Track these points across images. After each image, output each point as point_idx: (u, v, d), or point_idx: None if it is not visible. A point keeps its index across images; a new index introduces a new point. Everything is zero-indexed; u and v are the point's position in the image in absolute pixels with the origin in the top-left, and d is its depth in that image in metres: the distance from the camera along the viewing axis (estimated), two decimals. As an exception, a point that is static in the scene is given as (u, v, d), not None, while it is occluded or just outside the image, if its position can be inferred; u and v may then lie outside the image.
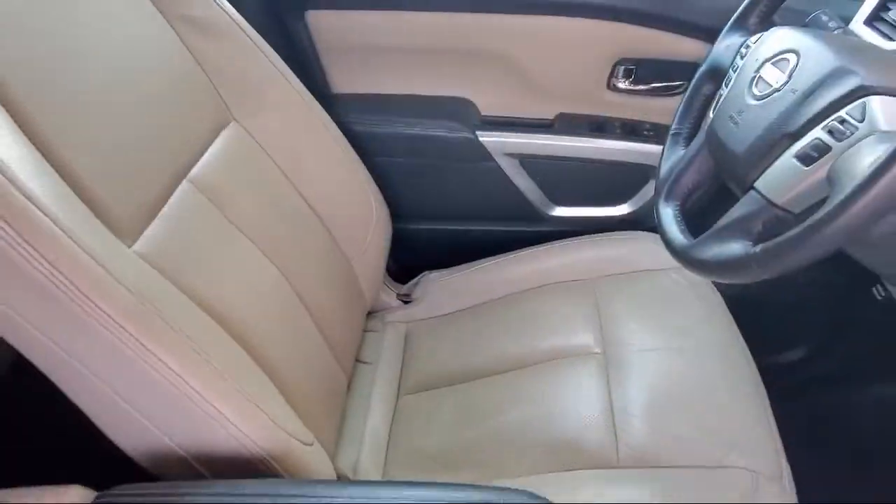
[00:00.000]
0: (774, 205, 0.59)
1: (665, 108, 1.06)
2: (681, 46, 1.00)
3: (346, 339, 0.94)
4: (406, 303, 1.11)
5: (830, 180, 0.54)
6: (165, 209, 0.69)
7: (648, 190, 1.13)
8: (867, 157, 0.51)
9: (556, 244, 1.08)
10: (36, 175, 0.53)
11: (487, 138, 1.08)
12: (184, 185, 0.74)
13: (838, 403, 1.26)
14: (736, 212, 0.63)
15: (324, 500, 0.53)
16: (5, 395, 0.83)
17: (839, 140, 0.54)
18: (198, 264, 0.69)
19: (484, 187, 1.13)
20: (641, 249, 1.05)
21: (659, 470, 0.74)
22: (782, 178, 0.59)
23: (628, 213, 1.15)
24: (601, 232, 1.09)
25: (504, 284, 1.06)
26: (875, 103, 0.54)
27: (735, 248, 0.60)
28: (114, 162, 0.64)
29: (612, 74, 1.06)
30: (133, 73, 0.72)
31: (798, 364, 1.31)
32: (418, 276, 1.14)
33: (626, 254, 1.05)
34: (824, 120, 0.56)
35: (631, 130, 1.09)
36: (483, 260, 1.10)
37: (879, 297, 1.10)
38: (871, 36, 0.82)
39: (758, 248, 0.57)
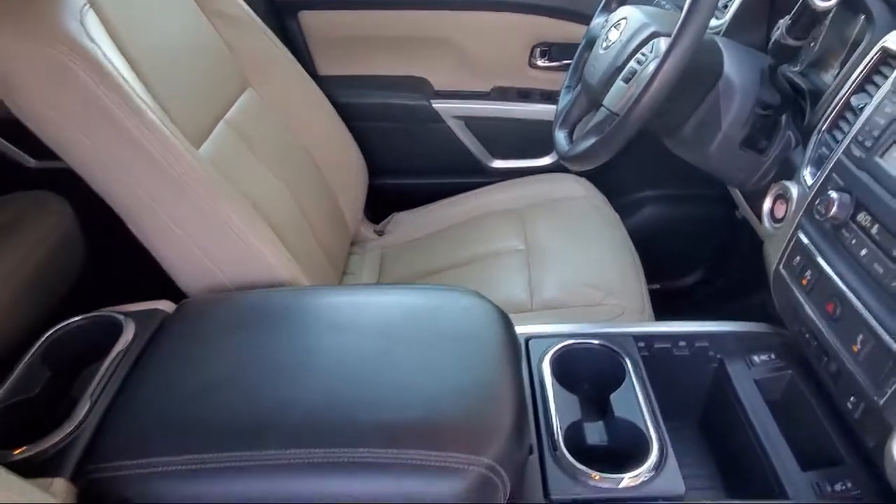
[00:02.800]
0: (613, 112, 0.93)
1: (572, 80, 1.41)
2: (581, 32, 1.35)
3: (336, 251, 1.25)
4: (380, 235, 1.43)
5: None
6: (211, 137, 1.01)
7: (565, 144, 1.47)
8: (649, 69, 0.85)
9: (495, 185, 1.42)
10: (145, 94, 0.84)
11: (439, 105, 1.42)
12: (221, 124, 1.05)
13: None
14: (592, 121, 0.97)
15: (339, 293, 0.84)
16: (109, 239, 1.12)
17: (641, 65, 0.89)
18: (233, 176, 1.00)
19: (438, 145, 1.46)
20: (559, 186, 1.39)
21: (558, 310, 1.06)
22: (616, 94, 0.93)
23: (550, 163, 1.49)
24: (530, 176, 1.44)
25: (455, 216, 1.38)
26: (661, 41, 0.88)
27: (590, 141, 0.94)
28: (180, 100, 0.95)
29: (531, 55, 1.41)
30: (185, 47, 1.04)
31: (695, 286, 1.65)
32: (389, 216, 1.46)
33: (547, 189, 1.39)
34: (635, 55, 0.91)
35: (548, 97, 1.44)
36: (439, 201, 1.43)
37: (739, 217, 1.44)
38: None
39: (600, 138, 0.90)
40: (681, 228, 1.57)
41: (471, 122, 1.45)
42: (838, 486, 0.70)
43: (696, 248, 1.60)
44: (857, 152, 0.70)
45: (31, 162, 1.50)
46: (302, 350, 0.73)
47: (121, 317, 0.83)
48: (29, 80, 0.78)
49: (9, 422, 0.72)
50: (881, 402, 0.61)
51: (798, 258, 0.76)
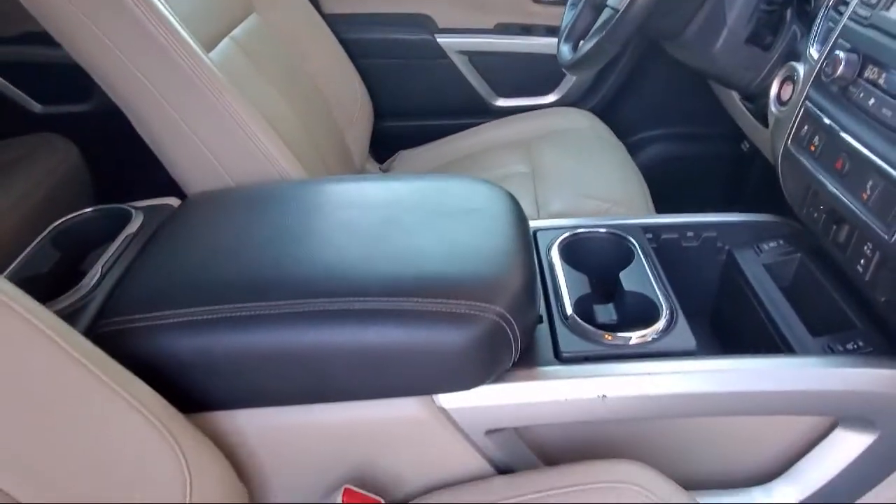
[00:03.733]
0: (617, 10, 0.93)
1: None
2: (582, -37, 1.35)
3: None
4: (386, 173, 1.44)
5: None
6: (218, 48, 1.01)
7: (569, 80, 1.47)
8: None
9: (500, 120, 1.42)
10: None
11: (443, 39, 1.42)
12: (226, 39, 1.05)
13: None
14: (597, 22, 0.97)
15: (346, 179, 0.85)
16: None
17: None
18: (240, 87, 1.01)
19: (442, 83, 1.47)
20: (565, 118, 1.39)
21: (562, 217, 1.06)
22: (620, -8, 0.93)
23: (556, 100, 1.49)
24: (536, 115, 1.44)
25: (461, 150, 1.38)
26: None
27: (595, 40, 0.94)
28: (188, 5, 0.95)
29: (534, -11, 1.42)
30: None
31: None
32: (395, 154, 1.46)
33: (552, 121, 1.39)
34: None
35: (552, 32, 1.43)
36: (445, 137, 1.44)
37: (745, 150, 1.44)
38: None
39: (604, 34, 0.90)
40: (689, 166, 1.56)
41: (474, 57, 1.45)
42: (850, 346, 0.69)
43: (704, 185, 1.59)
44: (863, 12, 0.70)
45: (37, 107, 1.51)
46: (308, 222, 0.73)
47: (130, 208, 0.83)
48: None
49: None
50: (892, 239, 0.60)
51: (806, 127, 0.75)
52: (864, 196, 0.64)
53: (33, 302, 0.50)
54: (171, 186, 0.95)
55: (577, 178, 1.16)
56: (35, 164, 1.33)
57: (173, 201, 0.87)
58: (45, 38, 1.45)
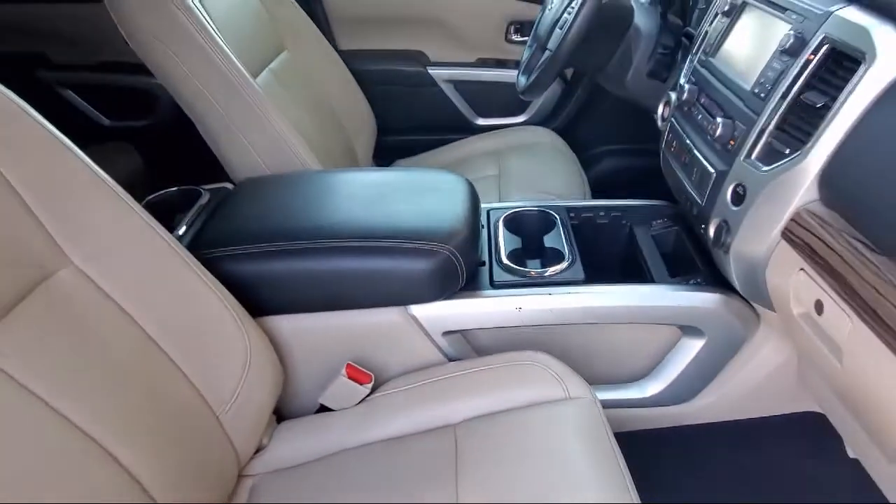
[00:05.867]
0: (552, 51, 1.27)
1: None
2: (544, 12, 1.70)
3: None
4: (386, 176, 1.78)
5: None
6: (260, 76, 1.36)
7: (536, 103, 1.82)
8: (573, 16, 1.19)
9: (479, 135, 1.77)
10: (216, 32, 1.20)
11: (434, 71, 1.78)
12: (266, 72, 1.41)
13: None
14: (540, 61, 1.32)
15: (352, 170, 1.18)
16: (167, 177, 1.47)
17: (570, 14, 1.23)
18: (273, 102, 1.35)
19: (433, 106, 1.82)
20: (531, 135, 1.73)
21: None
22: (555, 38, 1.27)
23: (525, 120, 1.84)
24: (507, 130, 1.79)
25: (447, 159, 1.73)
26: (584, -2, 1.23)
27: (536, 73, 1.28)
28: (237, 44, 1.30)
29: (507, 31, 1.77)
30: (239, 11, 1.40)
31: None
32: (393, 163, 1.81)
33: (520, 137, 1.73)
34: (567, 7, 1.25)
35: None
36: (434, 149, 1.78)
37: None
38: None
39: (542, 69, 1.25)
40: (633, 176, 1.90)
41: (459, 85, 1.80)
42: (691, 281, 1.02)
43: (644, 191, 1.92)
44: (702, 57, 1.04)
45: (106, 121, 1.87)
46: (326, 194, 1.07)
47: (200, 189, 1.18)
48: (143, 19, 1.13)
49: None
50: (703, 203, 0.93)
51: (670, 135, 1.09)
52: (693, 177, 0.97)
53: (163, 229, 0.83)
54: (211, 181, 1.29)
55: (532, 178, 1.50)
56: (110, 166, 1.68)
57: (229, 186, 1.21)
58: (114, 67, 1.83)
